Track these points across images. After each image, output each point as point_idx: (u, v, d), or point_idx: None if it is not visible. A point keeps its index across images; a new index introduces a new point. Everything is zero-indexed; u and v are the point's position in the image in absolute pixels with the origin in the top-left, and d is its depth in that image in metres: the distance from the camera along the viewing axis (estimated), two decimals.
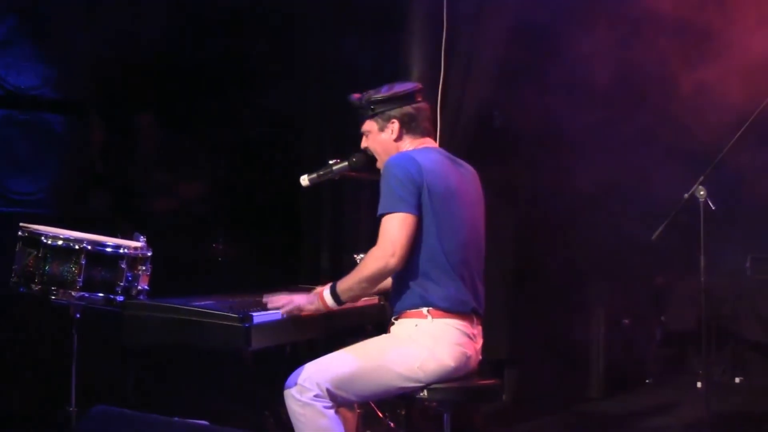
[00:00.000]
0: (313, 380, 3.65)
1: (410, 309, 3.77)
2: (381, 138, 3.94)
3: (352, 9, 6.17)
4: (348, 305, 3.87)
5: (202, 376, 5.41)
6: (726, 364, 7.50)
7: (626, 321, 7.47)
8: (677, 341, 7.60)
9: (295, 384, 3.68)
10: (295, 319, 3.78)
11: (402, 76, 5.63)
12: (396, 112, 3.90)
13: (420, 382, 3.73)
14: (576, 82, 6.63)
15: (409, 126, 3.91)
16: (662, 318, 7.61)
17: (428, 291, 3.74)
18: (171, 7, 6.02)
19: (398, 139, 3.91)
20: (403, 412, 4.83)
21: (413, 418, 4.90)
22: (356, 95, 3.99)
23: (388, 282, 3.90)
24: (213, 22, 6.28)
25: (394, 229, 3.66)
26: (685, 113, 6.61)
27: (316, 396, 3.64)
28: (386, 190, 3.71)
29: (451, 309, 3.75)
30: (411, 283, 3.75)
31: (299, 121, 6.44)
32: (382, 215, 3.70)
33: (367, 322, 4.44)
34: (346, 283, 3.74)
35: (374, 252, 3.69)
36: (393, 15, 5.85)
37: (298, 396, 3.66)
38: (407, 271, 3.74)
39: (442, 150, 4.02)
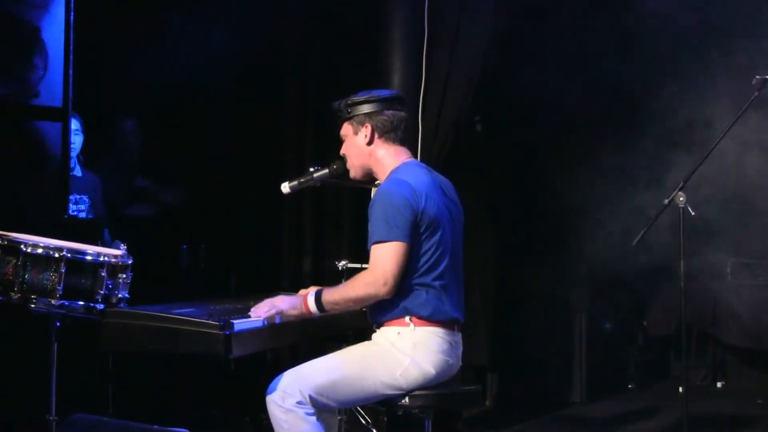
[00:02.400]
0: (295, 387, 3.65)
1: (392, 318, 3.77)
2: (355, 141, 3.92)
3: (333, 17, 6.18)
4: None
5: (182, 384, 5.39)
6: (707, 369, 7.54)
7: (608, 326, 7.49)
8: (658, 346, 7.63)
9: (277, 390, 3.67)
10: (276, 326, 3.78)
11: (383, 82, 5.64)
12: (371, 115, 3.88)
13: (401, 389, 3.74)
14: (557, 89, 6.66)
15: (383, 131, 3.88)
16: (643, 323, 7.63)
17: (410, 301, 3.74)
18: (154, 10, 6.02)
19: (371, 142, 3.89)
20: (385, 418, 4.84)
21: (395, 424, 4.90)
22: (338, 101, 3.99)
23: None
24: (196, 28, 6.27)
25: (388, 259, 3.66)
26: (666, 120, 6.65)
27: (298, 402, 3.64)
28: (382, 216, 3.68)
29: (433, 318, 3.75)
30: (393, 297, 3.74)
31: (280, 127, 6.44)
32: (377, 242, 3.69)
33: (348, 328, 4.45)
34: (332, 296, 3.73)
35: (366, 278, 3.69)
36: (374, 22, 5.85)
37: (280, 402, 3.66)
38: None
39: (421, 164, 4.02)
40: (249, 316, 3.73)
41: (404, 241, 3.67)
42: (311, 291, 3.81)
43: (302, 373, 3.72)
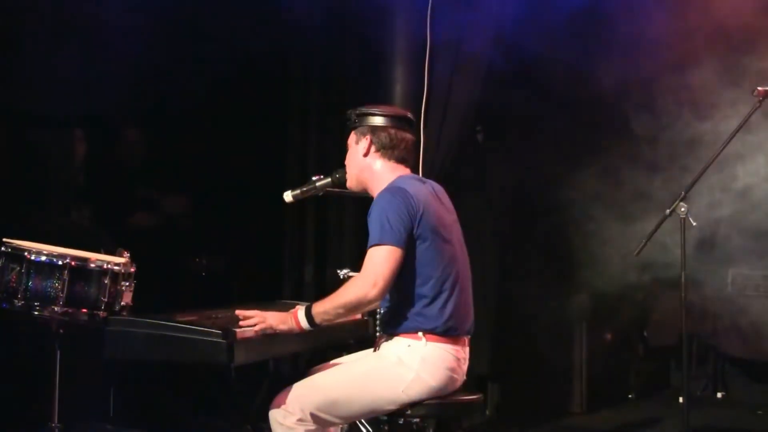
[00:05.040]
0: (296, 405, 3.65)
1: (405, 331, 3.75)
2: (355, 150, 3.94)
3: (337, 28, 6.20)
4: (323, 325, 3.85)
5: (184, 392, 5.40)
6: (708, 380, 7.53)
7: (608, 336, 7.49)
8: (659, 356, 7.63)
9: (279, 407, 3.67)
10: (278, 335, 3.78)
11: (385, 93, 5.66)
12: (373, 128, 3.89)
13: (404, 403, 3.74)
14: (559, 96, 6.68)
15: (380, 146, 3.88)
16: (644, 333, 7.63)
17: (423, 315, 3.73)
18: (157, 22, 6.03)
19: (366, 154, 3.89)
20: (386, 427, 4.84)
21: None
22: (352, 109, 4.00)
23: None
24: (198, 37, 6.29)
25: (380, 262, 3.63)
26: (667, 129, 6.66)
27: (299, 420, 3.64)
28: (379, 220, 3.67)
29: (446, 334, 3.75)
30: (406, 309, 3.74)
31: (283, 136, 6.46)
32: (371, 246, 3.67)
33: (349, 337, 4.45)
34: (322, 307, 3.70)
35: (356, 281, 3.67)
36: (377, 33, 5.87)
37: (281, 420, 3.65)
38: (403, 297, 3.73)
39: (414, 175, 4.00)
40: (243, 326, 3.71)
41: (398, 246, 3.64)
42: (302, 306, 3.78)
43: (304, 390, 3.71)
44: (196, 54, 6.26)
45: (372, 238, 3.68)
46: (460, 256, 3.88)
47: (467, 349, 3.87)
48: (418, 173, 4.51)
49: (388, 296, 3.71)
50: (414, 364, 3.71)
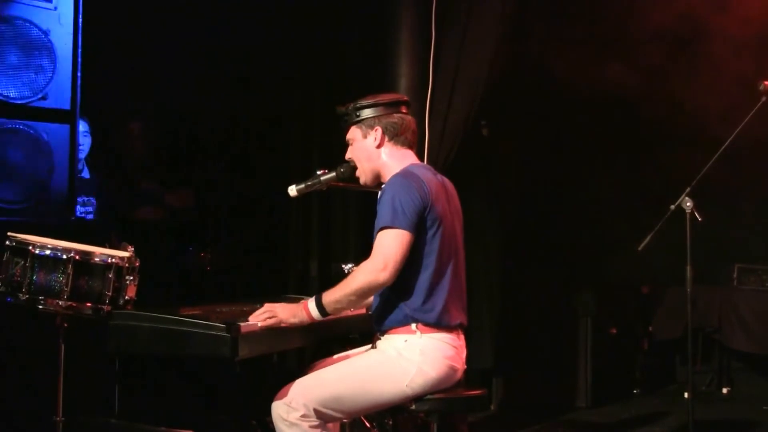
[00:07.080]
0: (300, 400, 3.65)
1: (398, 326, 3.76)
2: (363, 144, 3.93)
3: (340, 20, 6.19)
4: (335, 315, 3.86)
5: (188, 386, 5.40)
6: (713, 375, 7.53)
7: (613, 330, 7.49)
8: (664, 351, 7.63)
9: (282, 402, 3.67)
10: (282, 329, 3.77)
11: (390, 86, 5.65)
12: (380, 118, 3.90)
13: (407, 397, 3.74)
14: (564, 92, 6.67)
15: (392, 134, 3.90)
16: (649, 328, 7.63)
17: (415, 308, 3.73)
18: (160, 14, 6.03)
19: (380, 145, 3.90)
20: (390, 422, 4.84)
21: (400, 428, 4.91)
22: (342, 105, 4.00)
23: (370, 298, 3.90)
24: (202, 33, 6.28)
25: (391, 245, 3.64)
26: (672, 124, 6.65)
27: (303, 416, 3.64)
28: (391, 204, 3.67)
29: (440, 324, 3.75)
30: (397, 300, 3.74)
31: (287, 130, 6.45)
32: (382, 228, 3.68)
33: (354, 331, 4.45)
34: (333, 296, 3.71)
35: (366, 265, 3.67)
36: (381, 26, 5.86)
37: (285, 415, 3.65)
38: (393, 288, 3.72)
39: (426, 165, 4.04)
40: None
41: (409, 230, 3.65)
42: (311, 298, 3.78)
43: (307, 386, 3.71)
44: (200, 51, 6.26)
45: (383, 221, 3.67)
46: (457, 251, 3.88)
47: (463, 337, 3.88)
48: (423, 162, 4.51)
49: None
50: (414, 358, 3.71)
